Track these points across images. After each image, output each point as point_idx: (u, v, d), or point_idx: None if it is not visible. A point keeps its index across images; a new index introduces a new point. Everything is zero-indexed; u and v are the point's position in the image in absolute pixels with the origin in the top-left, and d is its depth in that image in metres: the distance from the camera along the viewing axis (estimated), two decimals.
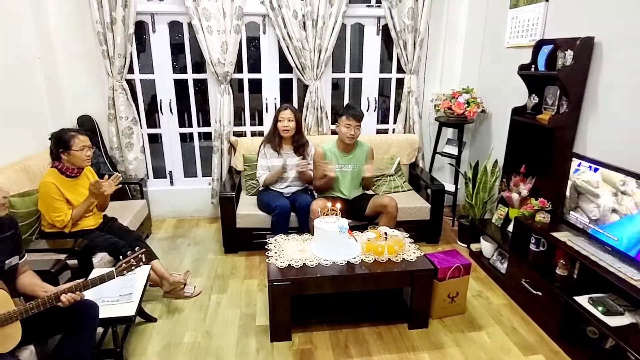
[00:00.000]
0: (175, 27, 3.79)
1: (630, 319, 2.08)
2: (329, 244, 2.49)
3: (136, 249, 1.98)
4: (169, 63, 3.82)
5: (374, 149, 3.41)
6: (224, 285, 2.98)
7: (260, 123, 4.18)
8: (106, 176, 2.67)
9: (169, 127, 4.00)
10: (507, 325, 2.58)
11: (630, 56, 2.35)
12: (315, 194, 3.40)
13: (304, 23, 3.62)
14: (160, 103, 3.91)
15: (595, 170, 2.36)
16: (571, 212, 2.54)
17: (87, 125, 3.68)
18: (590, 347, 2.26)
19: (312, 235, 2.73)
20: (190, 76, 3.91)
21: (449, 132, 4.13)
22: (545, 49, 2.82)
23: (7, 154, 2.83)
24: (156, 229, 3.90)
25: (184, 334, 2.47)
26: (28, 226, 2.56)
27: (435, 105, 3.94)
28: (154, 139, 4.21)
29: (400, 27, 3.76)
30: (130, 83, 3.77)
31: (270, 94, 4.00)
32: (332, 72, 4.01)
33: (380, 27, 3.95)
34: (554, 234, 2.58)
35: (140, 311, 2.44)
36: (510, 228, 3.09)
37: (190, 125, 4.12)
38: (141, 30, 3.82)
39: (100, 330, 2.18)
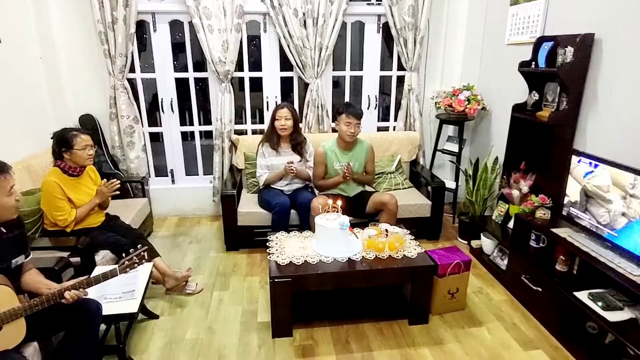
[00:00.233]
0: (176, 26, 3.80)
1: (629, 314, 2.09)
2: (330, 241, 2.50)
3: (138, 246, 2.00)
4: (170, 62, 3.83)
5: (374, 147, 3.43)
6: (225, 283, 3.00)
7: (261, 121, 4.20)
8: (104, 180, 2.72)
9: (170, 125, 4.01)
10: (507, 321, 2.59)
11: (630, 53, 2.35)
12: (316, 192, 3.42)
13: (305, 21, 3.63)
14: (162, 102, 3.92)
15: (596, 166, 2.37)
16: (579, 213, 2.48)
17: (88, 124, 3.70)
18: (589, 342, 2.27)
19: (313, 232, 2.75)
20: (191, 75, 3.92)
21: (449, 130, 4.14)
22: (546, 46, 2.82)
23: (10, 153, 2.83)
24: (158, 227, 3.92)
25: (186, 330, 2.49)
26: (31, 225, 2.58)
27: (435, 103, 3.95)
28: (156, 138, 4.23)
29: (401, 24, 3.77)
30: (132, 82, 3.79)
31: (271, 92, 4.01)
32: (333, 70, 4.01)
33: (381, 25, 3.95)
34: (554, 230, 2.59)
35: (142, 308, 2.46)
36: (511, 225, 3.10)
37: (192, 124, 4.13)
38: (142, 30, 3.83)
39: (103, 327, 2.20)
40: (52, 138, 2.64)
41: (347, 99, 4.17)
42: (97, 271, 2.17)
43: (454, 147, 3.90)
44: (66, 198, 2.57)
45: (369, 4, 3.90)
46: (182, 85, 3.97)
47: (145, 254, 1.98)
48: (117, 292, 2.18)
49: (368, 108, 4.17)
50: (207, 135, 4.21)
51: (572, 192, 2.54)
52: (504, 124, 3.30)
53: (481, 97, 3.72)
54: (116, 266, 1.90)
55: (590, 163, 2.41)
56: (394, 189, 3.72)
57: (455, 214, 4.00)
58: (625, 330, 2.00)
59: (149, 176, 4.06)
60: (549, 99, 2.94)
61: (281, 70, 3.98)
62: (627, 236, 2.17)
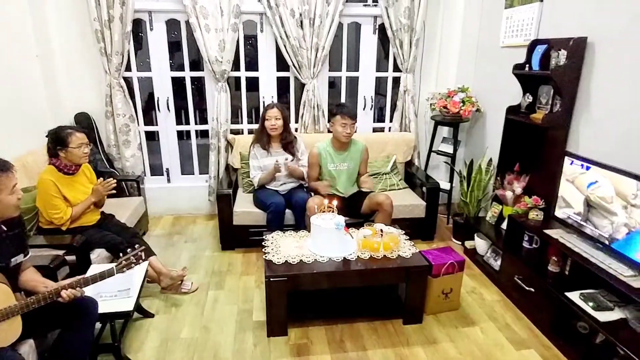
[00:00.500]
0: (172, 25, 3.80)
1: (619, 314, 2.12)
2: (326, 241, 2.52)
3: (136, 246, 1.99)
4: (166, 61, 3.83)
5: (370, 147, 3.44)
6: (220, 282, 3.01)
7: (257, 121, 4.19)
8: (100, 179, 2.71)
9: (166, 124, 4.01)
10: (500, 321, 2.62)
11: (622, 56, 2.39)
12: (312, 193, 3.43)
13: (301, 22, 3.64)
14: (158, 101, 3.92)
15: (587, 168, 2.40)
16: (587, 222, 2.44)
17: (84, 122, 3.68)
18: (580, 342, 2.30)
19: (309, 232, 2.77)
20: (187, 74, 3.92)
21: (444, 131, 4.17)
22: (540, 49, 2.85)
23: (5, 151, 2.80)
24: (153, 226, 3.92)
25: (182, 329, 2.50)
26: (27, 222, 2.56)
27: (431, 104, 3.97)
28: (151, 137, 4.22)
29: (397, 26, 3.79)
30: (128, 80, 3.78)
31: (268, 92, 4.02)
32: (329, 70, 4.03)
33: (377, 26, 3.98)
34: (547, 232, 2.62)
35: (137, 307, 2.46)
36: (504, 225, 3.14)
37: (188, 123, 4.13)
38: (138, 28, 3.83)
39: (98, 325, 2.20)
40: (47, 136, 2.63)
41: (343, 99, 4.19)
42: (92, 270, 2.18)
43: (449, 149, 3.93)
44: (62, 196, 2.57)
45: (365, 5, 3.92)
46: (178, 85, 3.97)
47: (143, 254, 1.98)
48: (112, 291, 2.18)
49: (364, 109, 4.19)
50: (203, 134, 4.20)
51: (575, 202, 2.51)
52: (498, 125, 3.34)
53: (476, 98, 3.75)
54: (113, 265, 1.90)
55: (582, 165, 2.45)
56: (389, 190, 3.75)
57: (449, 215, 4.03)
58: (615, 330, 2.03)
59: (145, 175, 4.05)
60: (542, 102, 2.97)
61: (277, 70, 3.99)
62: (629, 245, 2.16)
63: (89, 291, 1.97)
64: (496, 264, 3.06)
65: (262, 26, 3.82)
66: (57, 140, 2.57)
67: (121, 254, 1.96)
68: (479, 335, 2.49)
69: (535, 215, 2.80)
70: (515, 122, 3.09)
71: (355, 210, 3.26)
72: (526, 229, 2.85)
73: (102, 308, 2.01)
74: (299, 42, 3.69)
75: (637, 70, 2.28)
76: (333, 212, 2.58)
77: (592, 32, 2.57)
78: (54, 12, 3.47)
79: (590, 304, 2.17)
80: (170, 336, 2.44)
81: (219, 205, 3.34)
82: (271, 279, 2.33)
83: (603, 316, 2.11)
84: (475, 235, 3.34)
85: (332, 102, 4.07)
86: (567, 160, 2.57)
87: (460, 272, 2.65)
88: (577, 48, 2.60)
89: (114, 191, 2.75)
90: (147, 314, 2.59)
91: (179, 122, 4.10)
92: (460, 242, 3.61)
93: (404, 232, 2.83)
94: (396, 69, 4.06)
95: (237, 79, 4.03)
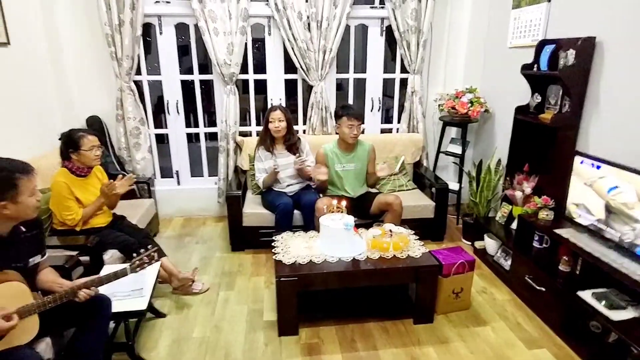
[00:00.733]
0: (181, 29, 3.84)
1: (632, 313, 2.11)
2: (335, 241, 2.53)
3: (148, 247, 2.02)
4: (175, 64, 3.87)
5: (378, 149, 3.46)
6: (231, 282, 3.03)
7: None
8: (120, 176, 2.72)
9: (176, 127, 4.05)
10: (512, 320, 2.61)
11: (631, 55, 2.38)
12: (320, 194, 3.44)
13: (309, 24, 3.67)
14: (167, 104, 3.96)
15: (598, 167, 2.40)
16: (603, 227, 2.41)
17: (95, 125, 3.74)
18: (593, 341, 2.29)
19: (318, 232, 2.78)
20: (196, 77, 3.96)
21: (452, 132, 4.17)
22: (548, 49, 2.85)
23: (18, 154, 2.84)
24: (164, 227, 3.95)
25: (193, 328, 2.52)
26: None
27: (439, 105, 3.98)
28: (161, 140, 4.27)
29: (404, 27, 3.80)
30: (138, 84, 3.82)
31: (275, 94, 4.04)
32: (337, 72, 4.05)
33: (384, 28, 3.99)
34: (557, 231, 2.61)
35: (150, 307, 2.48)
36: (514, 225, 3.13)
37: (197, 126, 4.17)
38: (148, 32, 3.87)
39: (112, 325, 2.23)
40: (59, 139, 2.67)
41: (350, 101, 4.19)
42: (106, 270, 2.20)
43: (457, 149, 3.93)
44: (74, 198, 2.60)
45: (372, 7, 3.94)
46: (187, 88, 4.01)
47: (155, 254, 2.01)
48: (126, 290, 2.21)
49: (372, 110, 4.20)
50: (212, 137, 4.23)
51: (596, 208, 2.44)
52: (507, 126, 3.34)
53: (484, 99, 3.75)
54: (126, 266, 1.92)
55: (592, 164, 2.44)
56: (398, 190, 3.75)
57: (459, 215, 4.03)
58: (629, 329, 2.02)
59: (155, 177, 4.09)
60: (551, 102, 2.97)
61: (285, 72, 4.01)
62: None
63: (103, 290, 2.00)
64: (506, 263, 3.06)
65: (270, 29, 3.85)
66: (69, 143, 2.61)
67: (134, 255, 1.98)
68: (491, 334, 2.49)
69: (545, 215, 2.80)
70: (524, 123, 3.09)
71: (364, 211, 3.26)
72: (536, 229, 2.85)
73: (116, 307, 2.04)
74: (307, 45, 3.72)
75: None
76: (342, 212, 2.59)
77: (600, 32, 2.56)
78: (65, 17, 3.53)
79: (603, 302, 2.16)
80: (182, 336, 2.46)
81: (229, 206, 3.36)
82: (282, 279, 2.35)
83: (616, 315, 2.10)
84: (485, 235, 3.33)
85: (340, 104, 4.09)
86: (577, 159, 2.57)
87: (470, 271, 2.64)
88: (586, 48, 2.60)
89: (119, 190, 2.67)
90: (159, 314, 2.62)
91: (188, 125, 4.14)
92: (470, 243, 3.60)
93: (413, 232, 2.84)
94: (404, 70, 4.07)
95: (246, 82, 4.06)
